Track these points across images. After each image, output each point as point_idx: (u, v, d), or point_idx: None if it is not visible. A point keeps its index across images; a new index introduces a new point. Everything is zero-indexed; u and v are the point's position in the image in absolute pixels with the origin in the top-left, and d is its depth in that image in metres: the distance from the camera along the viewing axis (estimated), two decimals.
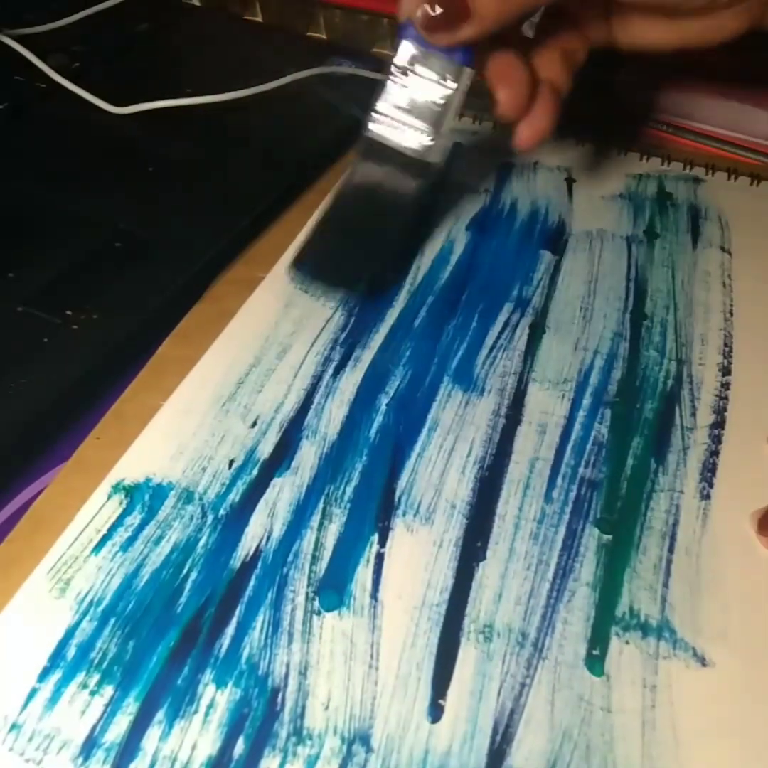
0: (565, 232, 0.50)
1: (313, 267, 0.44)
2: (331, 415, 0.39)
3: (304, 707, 0.29)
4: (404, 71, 0.41)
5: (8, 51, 0.60)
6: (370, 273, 0.44)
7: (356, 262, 0.44)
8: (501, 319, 0.44)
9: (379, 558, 0.33)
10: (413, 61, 0.40)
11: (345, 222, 0.44)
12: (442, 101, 0.41)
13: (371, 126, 0.43)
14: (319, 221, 0.46)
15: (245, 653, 0.30)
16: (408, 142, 0.42)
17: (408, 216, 0.44)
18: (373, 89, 0.42)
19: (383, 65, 0.63)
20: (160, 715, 0.29)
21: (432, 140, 0.42)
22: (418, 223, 0.48)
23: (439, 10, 0.37)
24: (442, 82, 0.40)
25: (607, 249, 0.49)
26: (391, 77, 0.41)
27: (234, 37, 0.70)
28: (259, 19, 0.71)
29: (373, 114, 0.42)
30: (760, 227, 0.51)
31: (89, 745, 0.28)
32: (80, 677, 0.29)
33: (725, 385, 0.41)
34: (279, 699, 0.29)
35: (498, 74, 0.41)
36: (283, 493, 0.36)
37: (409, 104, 0.41)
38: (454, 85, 0.40)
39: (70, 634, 0.31)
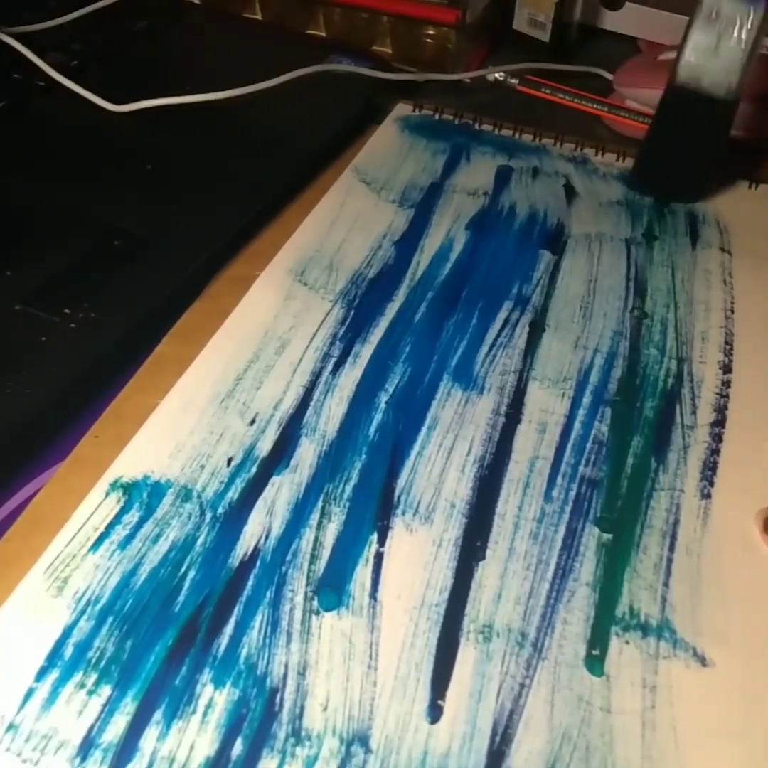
0: (563, 234, 0.50)
1: (652, 175, 0.54)
2: (331, 413, 0.39)
3: (302, 708, 0.29)
4: (707, 17, 0.48)
5: (7, 49, 0.60)
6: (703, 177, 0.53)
7: (689, 168, 0.53)
8: (501, 316, 0.44)
9: (379, 557, 0.33)
10: (715, 8, 0.48)
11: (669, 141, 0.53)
12: (741, 42, 0.48)
13: (680, 72, 0.50)
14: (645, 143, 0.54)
15: (243, 653, 0.30)
16: (716, 85, 0.49)
17: (721, 133, 0.52)
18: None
19: (383, 63, 0.63)
20: (157, 715, 0.29)
21: (737, 75, 0.49)
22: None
23: None
24: (740, 24, 0.47)
25: (606, 250, 0.49)
26: (694, 25, 0.48)
27: (233, 35, 0.69)
28: (259, 16, 0.71)
29: (680, 65, 0.50)
30: (759, 229, 0.51)
31: (87, 746, 0.28)
32: (78, 677, 0.29)
33: (726, 383, 0.41)
34: (277, 699, 0.29)
35: None
36: (281, 492, 0.35)
37: (715, 47, 0.48)
38: (750, 26, 0.47)
39: (67, 633, 0.30)
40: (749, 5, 0.47)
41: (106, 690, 0.29)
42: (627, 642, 0.31)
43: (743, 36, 0.48)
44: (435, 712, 0.29)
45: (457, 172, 0.54)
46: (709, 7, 0.48)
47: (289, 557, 0.33)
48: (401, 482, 0.36)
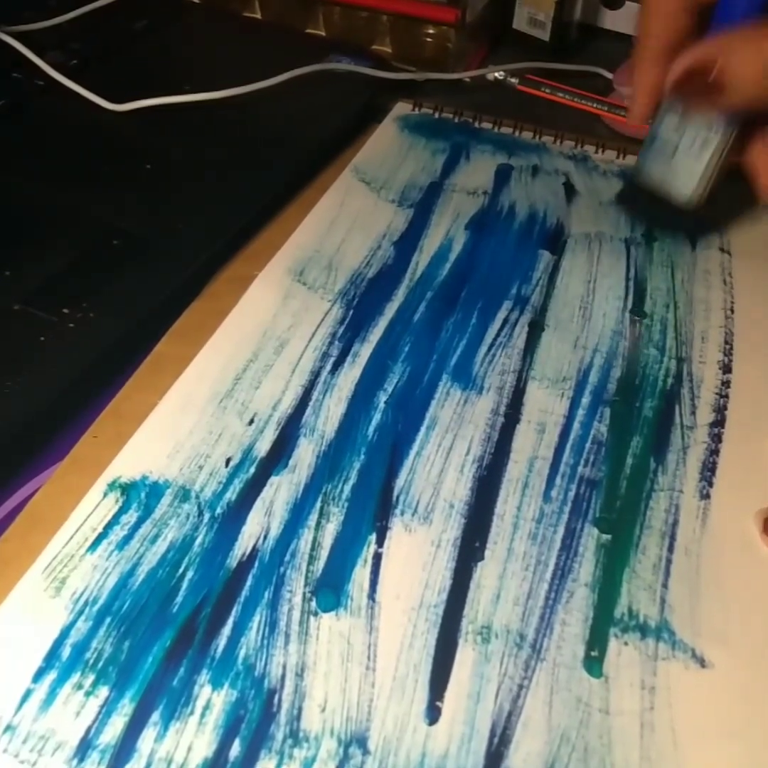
0: (563, 234, 0.50)
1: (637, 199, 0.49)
2: (329, 413, 0.39)
3: (300, 709, 0.29)
4: (670, 125, 0.45)
5: (7, 48, 0.60)
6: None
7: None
8: (500, 316, 0.44)
9: (377, 558, 0.33)
10: (678, 116, 0.44)
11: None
12: (705, 155, 0.44)
13: (639, 175, 0.47)
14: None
15: (241, 654, 0.30)
16: (674, 191, 0.46)
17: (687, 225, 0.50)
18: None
19: (383, 62, 0.63)
20: (155, 716, 0.29)
21: (695, 188, 0.45)
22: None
23: (690, 85, 0.39)
24: (704, 136, 0.44)
25: (606, 250, 0.49)
26: (657, 130, 0.45)
27: (233, 34, 0.69)
28: (258, 16, 0.71)
29: (641, 163, 0.47)
30: (758, 229, 0.51)
31: (84, 747, 0.28)
32: (75, 678, 0.29)
33: (726, 383, 0.41)
34: (275, 700, 0.29)
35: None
36: (280, 492, 0.35)
37: (674, 156, 0.45)
38: (716, 140, 0.44)
39: (65, 633, 0.30)
40: (712, 124, 0.44)
41: (103, 691, 0.29)
42: (626, 643, 0.31)
43: (705, 153, 0.44)
44: (433, 714, 0.29)
45: (457, 171, 0.54)
46: (670, 120, 0.45)
47: (287, 558, 0.33)
48: (400, 482, 0.36)
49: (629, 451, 0.38)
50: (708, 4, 0.41)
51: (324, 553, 0.33)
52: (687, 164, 0.45)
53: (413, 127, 0.58)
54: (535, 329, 0.43)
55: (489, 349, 0.42)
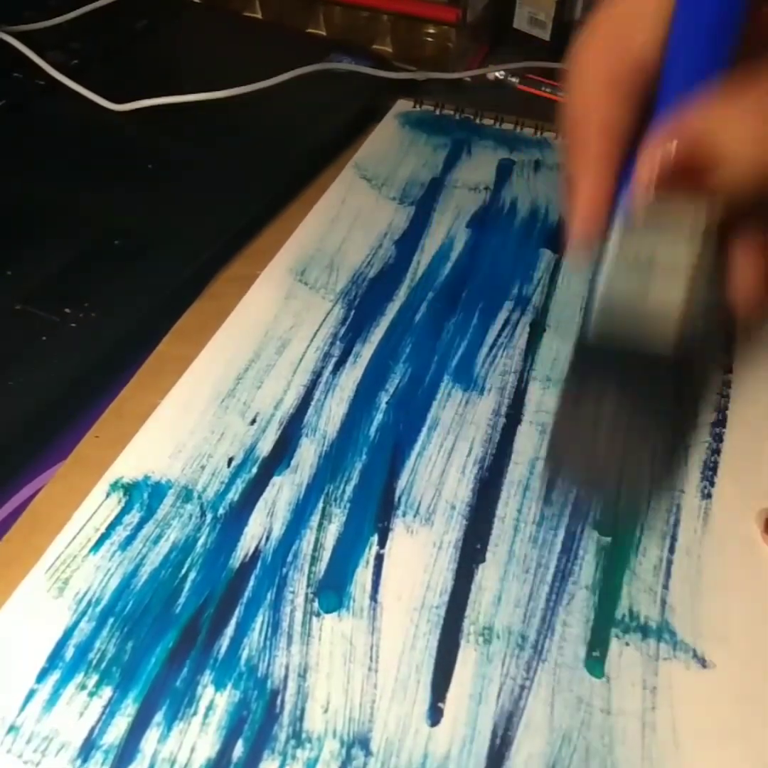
0: (565, 230, 0.50)
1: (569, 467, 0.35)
2: (331, 413, 0.39)
3: (303, 710, 0.29)
4: (629, 245, 0.31)
5: (7, 48, 0.60)
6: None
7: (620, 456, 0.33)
8: (501, 317, 0.44)
9: (379, 559, 0.33)
10: (639, 229, 0.31)
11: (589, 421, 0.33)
12: (681, 270, 0.31)
13: (593, 327, 0.32)
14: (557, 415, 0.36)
15: (244, 655, 0.30)
16: (646, 335, 0.31)
17: (672, 417, 0.34)
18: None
19: (384, 61, 0.63)
20: (158, 716, 0.29)
21: (676, 320, 0.31)
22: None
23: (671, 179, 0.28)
24: (680, 248, 0.30)
25: None
26: (609, 256, 0.32)
27: (233, 34, 0.69)
28: (259, 15, 0.71)
29: (593, 314, 0.33)
30: None
31: (88, 747, 0.28)
32: (79, 678, 0.29)
33: (726, 383, 0.41)
34: (278, 701, 0.29)
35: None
36: (282, 492, 0.35)
37: (644, 282, 0.31)
38: (694, 248, 0.30)
39: (68, 634, 0.30)
40: (687, 228, 0.30)
41: (107, 691, 0.29)
42: (627, 644, 0.31)
43: (681, 266, 0.31)
44: (435, 715, 0.29)
45: (458, 167, 0.54)
46: (627, 238, 0.32)
47: (289, 558, 0.33)
48: (402, 483, 0.36)
49: None
50: (644, 80, 0.31)
51: (326, 554, 0.33)
52: (660, 290, 0.31)
53: (414, 123, 0.58)
54: (537, 329, 0.43)
55: (490, 350, 0.42)
